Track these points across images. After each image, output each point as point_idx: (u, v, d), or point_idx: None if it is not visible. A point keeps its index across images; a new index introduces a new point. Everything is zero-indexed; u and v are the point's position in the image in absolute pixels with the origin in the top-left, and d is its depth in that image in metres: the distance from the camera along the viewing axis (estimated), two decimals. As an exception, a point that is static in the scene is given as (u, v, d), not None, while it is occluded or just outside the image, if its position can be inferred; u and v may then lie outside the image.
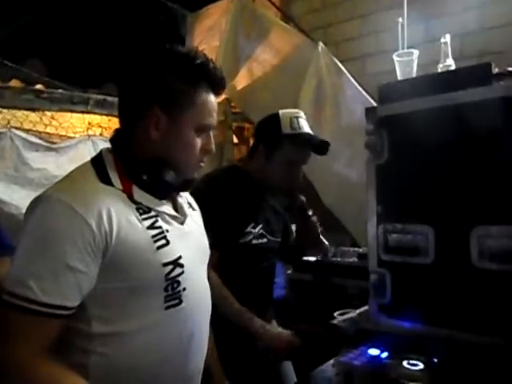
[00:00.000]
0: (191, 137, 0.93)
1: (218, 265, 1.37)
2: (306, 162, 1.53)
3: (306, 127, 1.47)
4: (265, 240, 1.52)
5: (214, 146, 0.99)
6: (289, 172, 1.48)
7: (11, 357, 0.76)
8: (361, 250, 2.40)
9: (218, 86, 0.97)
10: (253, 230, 1.48)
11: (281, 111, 1.48)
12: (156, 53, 0.95)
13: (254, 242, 1.48)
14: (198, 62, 0.92)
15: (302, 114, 1.51)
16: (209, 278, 1.09)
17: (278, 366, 1.60)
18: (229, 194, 1.43)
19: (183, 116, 0.92)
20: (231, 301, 1.39)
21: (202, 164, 0.99)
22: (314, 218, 1.66)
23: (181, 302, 0.91)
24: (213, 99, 0.96)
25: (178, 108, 0.91)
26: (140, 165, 0.92)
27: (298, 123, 1.46)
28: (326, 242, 1.78)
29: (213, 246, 1.17)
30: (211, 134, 0.98)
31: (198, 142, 0.95)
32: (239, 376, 1.34)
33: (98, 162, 0.93)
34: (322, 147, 1.50)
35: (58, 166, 2.72)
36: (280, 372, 1.60)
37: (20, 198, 2.48)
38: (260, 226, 1.51)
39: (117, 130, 1.00)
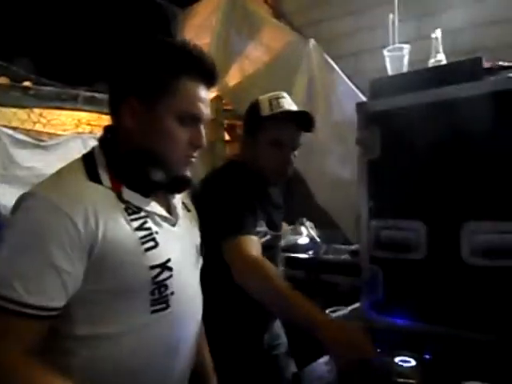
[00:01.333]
0: (171, 125, 0.89)
1: (227, 274, 1.16)
2: (293, 142, 1.40)
3: (287, 105, 1.37)
4: (268, 237, 1.40)
5: (204, 141, 0.94)
6: (276, 153, 1.37)
7: None
8: (353, 247, 2.41)
9: (207, 76, 0.92)
10: (261, 229, 1.36)
11: (261, 96, 1.42)
12: (137, 44, 0.93)
13: (261, 241, 1.35)
14: (184, 50, 0.89)
15: (283, 94, 1.41)
16: (261, 269, 1.09)
17: (279, 360, 1.48)
18: (236, 191, 1.32)
19: (161, 103, 0.88)
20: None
21: (193, 159, 0.95)
22: None
23: (168, 306, 0.88)
24: (200, 89, 0.91)
25: (154, 95, 0.88)
26: (119, 158, 0.89)
27: (278, 103, 1.37)
28: None
29: (243, 232, 1.14)
30: (201, 127, 0.93)
31: (182, 132, 0.90)
32: (237, 374, 1.29)
33: (88, 158, 0.90)
34: (305, 121, 1.39)
35: (47, 164, 2.69)
36: (280, 366, 1.54)
37: (9, 198, 2.45)
38: (264, 222, 1.39)
39: (105, 127, 0.98)
